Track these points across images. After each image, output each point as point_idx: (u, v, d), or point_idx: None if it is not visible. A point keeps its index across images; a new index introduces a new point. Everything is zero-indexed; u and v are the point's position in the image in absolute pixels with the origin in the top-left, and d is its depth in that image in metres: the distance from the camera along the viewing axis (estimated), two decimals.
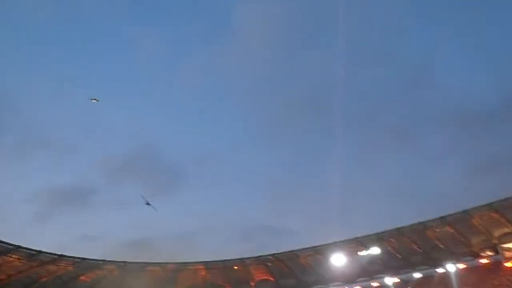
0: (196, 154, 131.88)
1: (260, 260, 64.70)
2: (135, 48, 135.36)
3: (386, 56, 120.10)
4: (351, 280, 63.95)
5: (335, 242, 60.35)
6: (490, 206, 53.38)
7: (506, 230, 55.19)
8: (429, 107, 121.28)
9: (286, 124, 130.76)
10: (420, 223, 56.93)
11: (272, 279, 66.38)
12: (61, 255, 54.47)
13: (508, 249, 55.07)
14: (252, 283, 66.65)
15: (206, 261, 64.18)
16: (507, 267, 54.55)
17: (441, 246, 58.56)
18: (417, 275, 61.75)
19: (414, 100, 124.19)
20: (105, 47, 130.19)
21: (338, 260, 59.67)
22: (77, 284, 58.26)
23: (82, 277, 58.73)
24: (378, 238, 59.39)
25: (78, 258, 56.28)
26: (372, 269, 63.12)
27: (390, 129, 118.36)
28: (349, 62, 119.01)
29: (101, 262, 58.97)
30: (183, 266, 63.96)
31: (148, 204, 64.87)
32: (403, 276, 62.74)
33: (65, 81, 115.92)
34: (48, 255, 53.59)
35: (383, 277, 61.82)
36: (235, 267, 65.05)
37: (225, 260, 64.38)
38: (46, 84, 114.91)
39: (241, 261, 64.77)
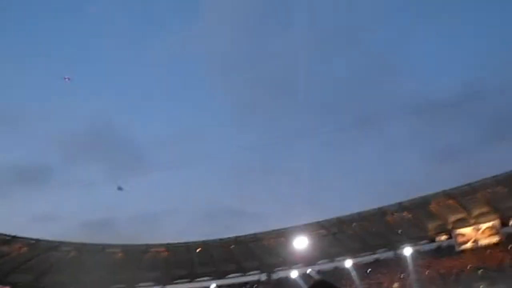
0: (160, 134, 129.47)
1: (223, 243, 64.59)
2: (100, 25, 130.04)
3: (355, 44, 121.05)
4: (312, 262, 65.17)
5: (298, 226, 61.05)
6: (446, 193, 55.28)
7: (461, 216, 57.52)
8: (394, 96, 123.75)
9: (255, 108, 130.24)
10: (380, 208, 58.36)
11: (234, 261, 66.63)
12: (14, 236, 52.16)
13: (462, 234, 57.52)
14: (214, 264, 66.68)
15: (168, 243, 63.34)
16: (459, 250, 57.06)
17: (399, 230, 60.35)
18: (376, 257, 63.81)
19: (380, 88, 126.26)
20: (68, 23, 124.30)
21: (301, 243, 60.62)
22: (31, 266, 56.17)
23: (36, 259, 56.61)
24: (339, 222, 60.52)
25: (33, 239, 54.09)
26: (333, 252, 64.55)
27: (356, 116, 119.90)
28: (319, 48, 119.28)
29: (57, 244, 56.92)
30: (144, 248, 62.85)
31: (120, 189, 60.32)
32: (363, 259, 64.67)
33: (25, 57, 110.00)
34: (1, 236, 51.22)
35: (344, 260, 63.30)
36: (198, 249, 64.72)
37: (187, 242, 63.83)
38: (1, 58, 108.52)
39: (204, 243, 64.44)
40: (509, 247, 53.74)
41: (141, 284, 65.26)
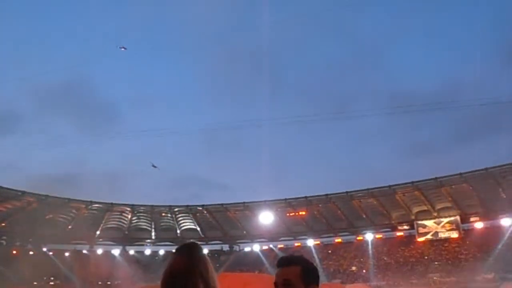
0: (135, 96, 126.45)
1: (189, 210, 64.29)
2: None
3: (339, 32, 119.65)
4: (275, 238, 65.80)
5: (265, 201, 61.16)
6: (413, 185, 56.20)
7: (424, 208, 58.80)
8: (372, 87, 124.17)
9: (231, 82, 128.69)
10: (348, 192, 58.98)
11: (198, 229, 66.57)
12: None
13: (423, 226, 58.98)
14: (178, 231, 66.49)
15: (134, 204, 62.53)
16: (419, 241, 58.64)
17: (364, 216, 61.35)
18: (338, 240, 64.94)
19: (359, 78, 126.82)
20: None
21: (266, 218, 60.95)
22: None
23: None
24: (306, 202, 60.93)
25: None
26: (297, 230, 65.25)
27: (332, 102, 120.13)
28: (301, 31, 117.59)
29: (20, 193, 55.09)
30: (109, 206, 61.78)
31: (154, 166, 60.98)
32: (325, 240, 65.77)
33: None
34: None
35: (306, 239, 64.17)
36: (163, 214, 64.23)
37: (153, 205, 63.19)
38: None
39: (169, 208, 63.95)
40: (466, 243, 55.51)
41: (101, 242, 64.45)
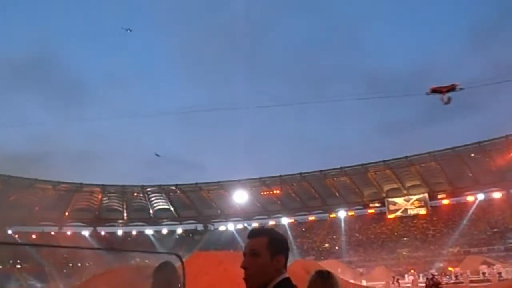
0: (106, 73, 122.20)
1: (162, 189, 63.34)
2: None
3: (316, 9, 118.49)
4: (250, 217, 66.02)
5: (240, 180, 60.94)
6: (385, 163, 57.25)
7: (395, 186, 60.18)
8: (348, 66, 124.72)
9: (207, 60, 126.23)
10: (322, 171, 59.50)
11: (172, 209, 65.89)
12: None
13: (393, 203, 60.50)
14: (151, 211, 65.61)
15: (104, 184, 60.95)
16: (389, 218, 60.22)
17: (337, 194, 62.27)
18: (311, 217, 65.86)
19: (336, 56, 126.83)
20: None
21: (240, 197, 60.86)
22: None
23: None
24: (281, 181, 61.11)
25: None
26: (271, 209, 65.63)
27: (307, 81, 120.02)
28: (278, 7, 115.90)
29: None
30: (78, 187, 59.95)
31: (157, 155, 62.59)
32: (299, 218, 66.53)
33: None
34: None
35: (281, 217, 64.69)
36: (135, 194, 63.05)
37: (125, 185, 61.84)
38: None
39: (142, 188, 62.80)
40: (433, 219, 57.39)
41: (71, 224, 62.74)
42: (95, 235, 61.49)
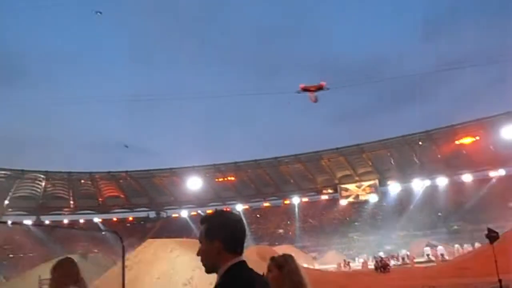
0: (50, 49, 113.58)
1: (111, 176, 60.75)
2: None
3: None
4: (204, 204, 65.03)
5: (193, 166, 59.77)
6: (338, 151, 58.41)
7: (347, 172, 61.65)
8: (304, 54, 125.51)
9: (158, 45, 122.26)
10: (276, 158, 59.70)
11: (122, 196, 63.51)
12: None
13: (346, 189, 62.00)
14: (100, 199, 62.85)
15: (47, 171, 57.35)
16: (341, 204, 61.70)
17: (291, 180, 62.81)
18: (266, 204, 66.10)
19: (292, 44, 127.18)
20: None
21: (194, 183, 59.75)
22: None
23: None
24: (235, 167, 60.67)
25: None
26: (225, 195, 65.08)
27: (261, 68, 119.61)
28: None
29: None
30: (19, 173, 56.05)
31: (126, 146, 63.79)
32: (253, 204, 66.54)
33: None
34: None
35: (235, 204, 64.31)
36: (82, 181, 60.00)
37: (70, 172, 58.62)
38: None
39: (89, 175, 59.87)
40: (383, 204, 59.48)
41: (11, 213, 58.62)
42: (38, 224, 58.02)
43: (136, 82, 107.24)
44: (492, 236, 15.78)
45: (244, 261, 2.12)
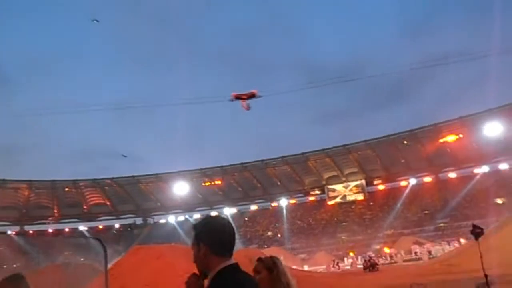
0: (31, 62, 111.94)
1: (96, 183, 59.76)
2: None
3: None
4: (191, 209, 64.53)
5: (180, 171, 59.21)
6: (325, 152, 58.59)
7: (334, 173, 61.86)
8: (287, 55, 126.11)
9: (141, 52, 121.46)
10: (262, 161, 59.59)
11: (108, 203, 62.53)
12: None
13: (333, 190, 62.20)
14: (85, 206, 61.77)
15: (31, 180, 56.15)
16: (329, 205, 61.85)
17: (278, 182, 62.75)
18: (254, 207, 65.89)
19: (275, 45, 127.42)
20: None
21: (181, 189, 59.20)
22: None
23: None
24: (222, 171, 60.33)
25: None
26: (213, 200, 64.65)
27: (246, 70, 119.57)
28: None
29: None
30: (1, 183, 54.67)
31: (124, 156, 63.99)
32: (241, 208, 66.26)
33: None
34: None
35: (223, 207, 63.91)
36: (66, 189, 58.87)
37: (54, 180, 57.42)
38: None
39: (73, 182, 58.78)
40: (370, 204, 59.85)
41: None
42: (22, 234, 56.65)
43: (119, 89, 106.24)
44: (477, 232, 16.01)
45: (235, 264, 2.16)
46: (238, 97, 30.84)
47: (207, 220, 2.27)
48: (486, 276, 13.50)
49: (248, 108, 30.65)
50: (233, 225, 2.27)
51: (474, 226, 16.33)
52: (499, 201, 47.22)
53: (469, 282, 14.17)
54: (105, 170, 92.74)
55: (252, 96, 30.65)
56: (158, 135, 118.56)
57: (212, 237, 2.16)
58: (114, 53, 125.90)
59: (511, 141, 49.48)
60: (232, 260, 2.16)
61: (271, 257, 3.10)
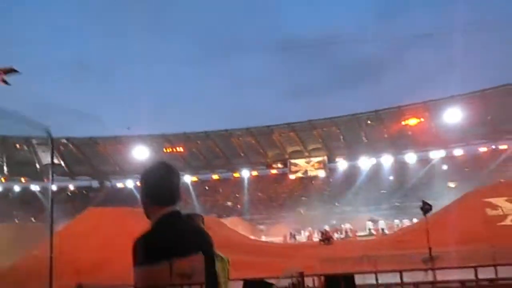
0: None
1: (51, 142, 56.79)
2: None
3: None
4: None
5: (140, 135, 57.32)
6: (290, 126, 58.51)
7: (297, 148, 62.16)
8: (259, 32, 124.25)
9: (107, 8, 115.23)
10: (227, 130, 58.77)
11: (63, 164, 59.82)
12: None
13: (295, 164, 62.63)
14: (37, 166, 58.81)
15: None
16: (290, 179, 62.38)
17: (242, 154, 62.33)
18: (215, 176, 65.38)
19: (249, 22, 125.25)
20: None
21: (141, 153, 57.54)
22: None
23: None
24: (185, 138, 59.06)
25: None
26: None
27: (220, 45, 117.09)
28: None
29: None
30: None
31: (128, 128, 59.82)
32: (202, 176, 65.51)
33: None
34: None
35: (183, 175, 62.83)
36: (17, 145, 55.68)
37: (5, 136, 54.01)
38: None
39: (26, 139, 55.56)
40: (330, 181, 60.87)
41: None
42: None
43: (83, 46, 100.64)
44: (426, 208, 16.77)
45: (177, 211, 2.09)
46: None
47: (143, 172, 2.18)
48: (430, 249, 14.79)
49: (6, 83, 29.59)
50: (176, 171, 2.17)
51: (424, 203, 17.21)
52: (452, 185, 49.28)
53: (417, 256, 15.19)
54: (60, 129, 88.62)
55: (9, 71, 29.34)
56: (118, 97, 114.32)
57: (150, 187, 2.11)
58: (80, 10, 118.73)
59: (468, 128, 51.54)
60: (174, 208, 2.07)
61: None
